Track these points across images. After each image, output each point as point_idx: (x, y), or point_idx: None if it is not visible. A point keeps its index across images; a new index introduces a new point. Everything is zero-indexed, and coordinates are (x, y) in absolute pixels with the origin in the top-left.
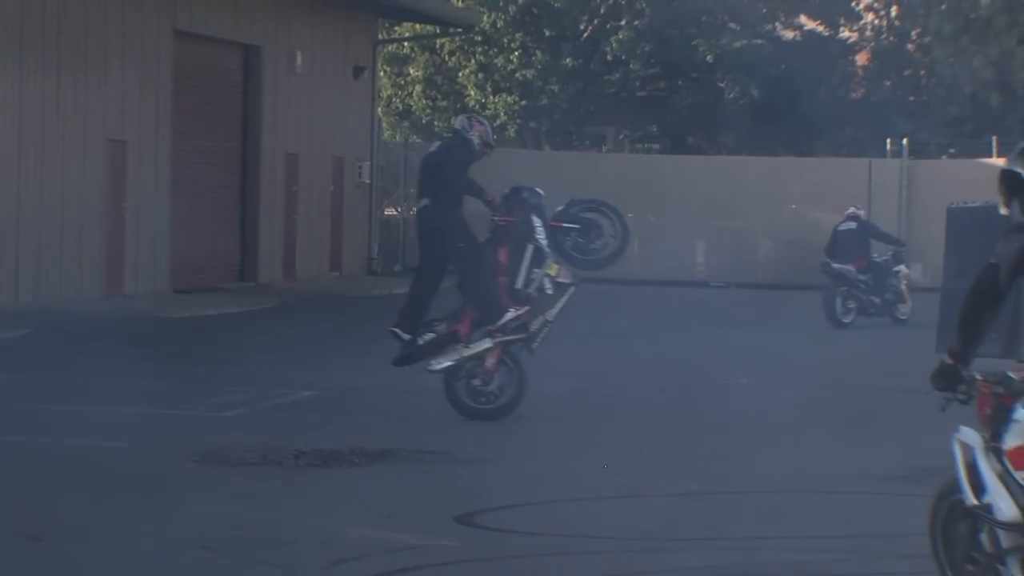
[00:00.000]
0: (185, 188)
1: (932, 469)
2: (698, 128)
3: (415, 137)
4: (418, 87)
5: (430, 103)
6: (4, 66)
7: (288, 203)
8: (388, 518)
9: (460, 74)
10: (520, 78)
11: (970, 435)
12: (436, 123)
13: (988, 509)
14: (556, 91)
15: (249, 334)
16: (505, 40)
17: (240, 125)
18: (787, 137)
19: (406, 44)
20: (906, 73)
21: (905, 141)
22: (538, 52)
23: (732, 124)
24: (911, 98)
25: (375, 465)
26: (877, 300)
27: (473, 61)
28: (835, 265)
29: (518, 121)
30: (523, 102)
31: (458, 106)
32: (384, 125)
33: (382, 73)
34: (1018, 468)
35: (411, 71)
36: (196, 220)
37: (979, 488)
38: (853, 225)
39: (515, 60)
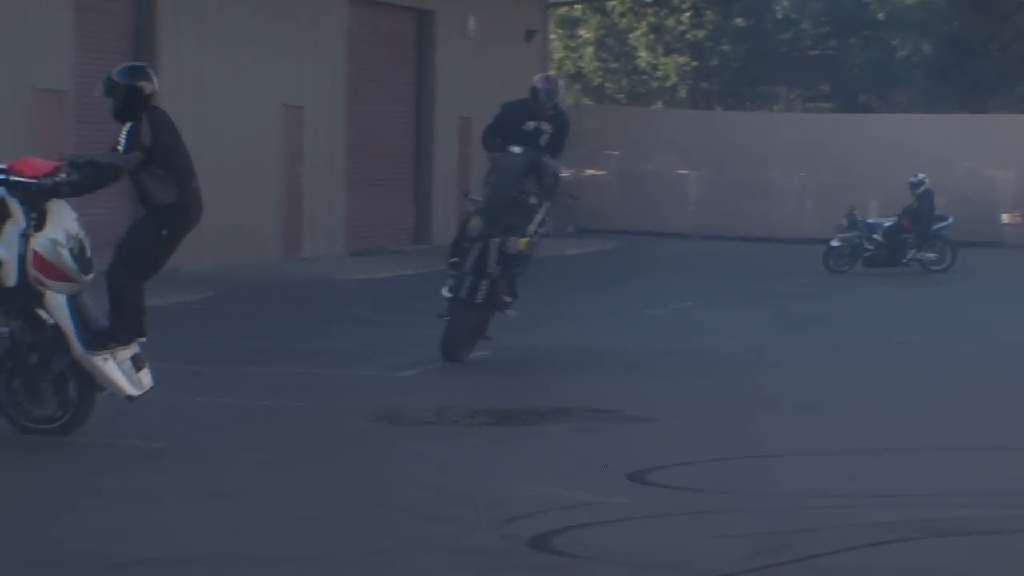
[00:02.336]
0: (360, 152)
1: None
2: (870, 86)
3: (587, 99)
4: (589, 49)
5: (602, 65)
6: (182, 35)
7: (462, 166)
8: (561, 476)
9: (631, 36)
10: (691, 39)
11: None
12: (607, 85)
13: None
14: (727, 51)
15: (424, 296)
16: (676, 1)
17: (414, 89)
18: (960, 94)
19: (577, 6)
20: None
21: None
22: (709, 12)
23: (904, 82)
24: None
25: (548, 424)
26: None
27: (644, 23)
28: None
29: (689, 82)
30: (694, 63)
31: (629, 67)
32: None
33: (553, 36)
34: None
35: (582, 33)
36: (371, 183)
37: None
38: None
39: (686, 21)
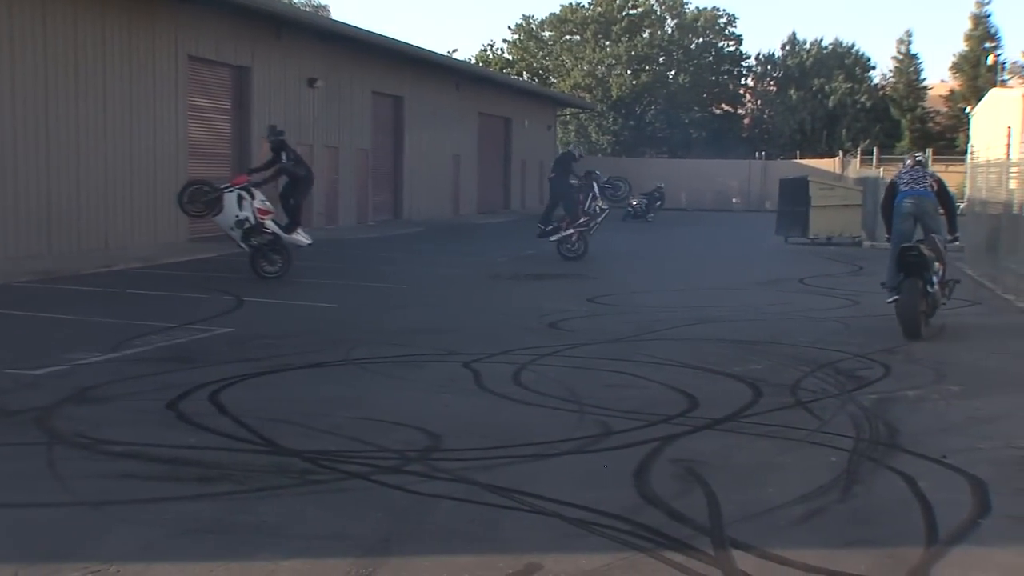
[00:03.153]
0: (482, 171)
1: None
2: (681, 148)
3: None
4: (573, 134)
5: (576, 139)
6: (415, 124)
7: (525, 179)
8: (559, 299)
9: (590, 127)
10: (613, 128)
11: None
12: (579, 148)
13: None
14: (627, 134)
15: (511, 230)
16: (608, 114)
17: (503, 149)
18: (716, 153)
19: (568, 115)
20: None
21: None
22: (620, 119)
23: (694, 147)
24: None
25: (554, 279)
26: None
27: (594, 123)
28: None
29: (612, 146)
30: (614, 139)
31: (588, 140)
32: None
33: (560, 128)
34: None
35: (570, 126)
36: (486, 183)
37: None
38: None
39: (611, 123)
